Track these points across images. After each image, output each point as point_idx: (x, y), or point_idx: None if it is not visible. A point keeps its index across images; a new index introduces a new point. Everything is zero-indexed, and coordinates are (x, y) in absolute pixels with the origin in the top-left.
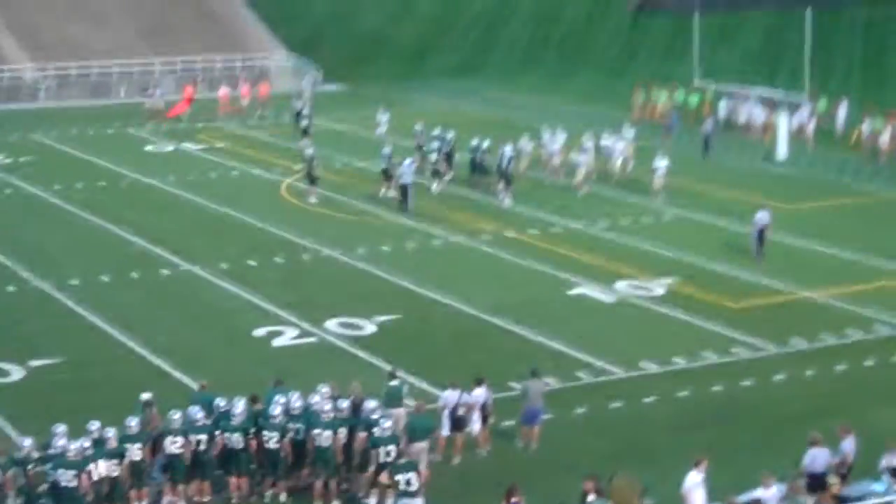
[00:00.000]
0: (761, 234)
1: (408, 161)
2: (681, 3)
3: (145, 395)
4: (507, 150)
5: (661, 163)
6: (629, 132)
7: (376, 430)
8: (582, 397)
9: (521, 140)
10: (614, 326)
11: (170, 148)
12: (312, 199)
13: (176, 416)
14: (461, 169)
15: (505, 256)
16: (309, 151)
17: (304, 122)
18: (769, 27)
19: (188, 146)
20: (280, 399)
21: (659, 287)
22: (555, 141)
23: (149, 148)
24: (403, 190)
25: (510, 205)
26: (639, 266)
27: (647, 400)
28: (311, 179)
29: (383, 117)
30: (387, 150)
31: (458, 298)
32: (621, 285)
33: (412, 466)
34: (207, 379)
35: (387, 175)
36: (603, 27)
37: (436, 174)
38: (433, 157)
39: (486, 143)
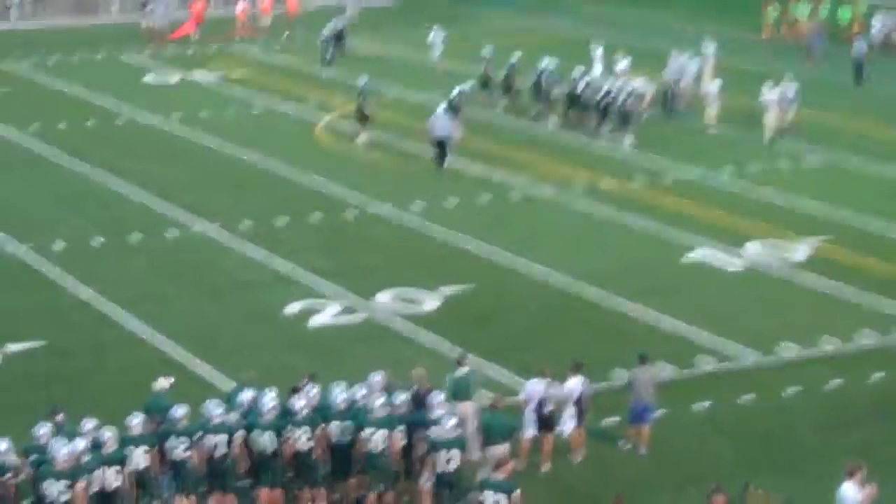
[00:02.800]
0: None
1: (441, 108)
2: None
3: (164, 382)
4: (625, 85)
5: (790, 91)
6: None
7: (434, 430)
8: (704, 389)
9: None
10: (744, 300)
11: (175, 78)
12: (363, 139)
13: (179, 412)
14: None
15: (603, 212)
16: (362, 81)
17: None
18: None
19: (198, 76)
20: (311, 390)
21: (800, 250)
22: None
23: (148, 78)
24: (439, 145)
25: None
26: (774, 224)
27: (787, 392)
28: (362, 117)
29: (438, 37)
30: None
31: (543, 265)
32: (752, 248)
33: (506, 487)
34: (228, 367)
35: (455, 110)
36: None
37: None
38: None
39: (587, 76)
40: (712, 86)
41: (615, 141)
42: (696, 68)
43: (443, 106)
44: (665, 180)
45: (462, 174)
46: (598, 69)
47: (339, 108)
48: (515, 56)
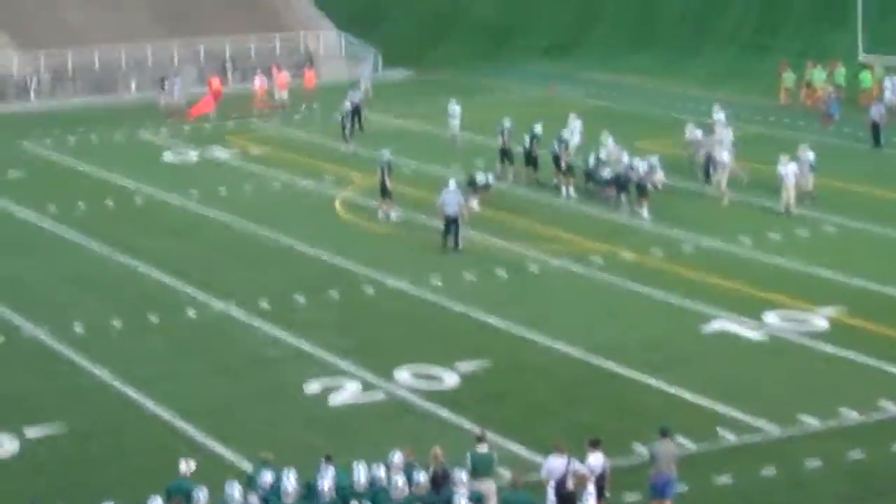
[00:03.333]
0: None
1: (452, 184)
2: None
3: (185, 467)
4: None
5: (806, 160)
6: (720, 114)
7: None
8: (725, 462)
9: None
10: (764, 370)
11: (193, 156)
12: (393, 216)
13: (201, 495)
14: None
15: (621, 283)
16: (385, 156)
17: (343, 120)
18: None
19: (216, 153)
20: (330, 471)
21: (820, 319)
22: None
23: (167, 156)
24: (448, 224)
25: (648, 218)
26: (794, 292)
27: (809, 464)
28: (385, 191)
29: (455, 110)
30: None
31: (562, 338)
32: (772, 317)
33: None
34: (248, 447)
35: (474, 186)
36: None
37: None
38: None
39: (603, 151)
40: (724, 154)
41: (633, 213)
42: (728, 138)
43: (453, 182)
44: (683, 251)
45: (479, 247)
46: (576, 139)
47: (357, 182)
48: (538, 127)
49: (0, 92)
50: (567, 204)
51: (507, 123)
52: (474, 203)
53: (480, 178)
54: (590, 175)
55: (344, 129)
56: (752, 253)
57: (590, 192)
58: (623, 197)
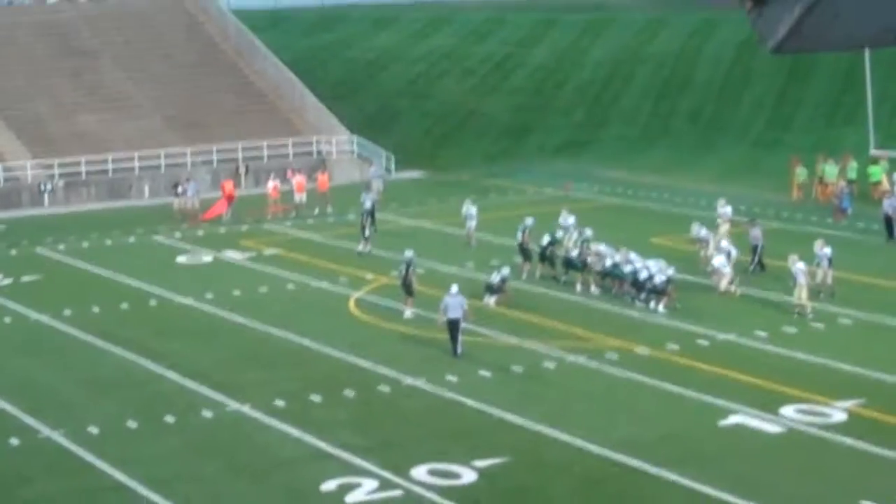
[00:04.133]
0: None
1: (454, 288)
2: (843, 35)
3: None
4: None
5: (824, 251)
6: (725, 208)
7: None
8: None
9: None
10: (783, 464)
11: (207, 258)
12: (408, 314)
13: None
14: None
15: (637, 379)
16: (408, 254)
17: (362, 220)
18: None
19: (230, 255)
20: None
21: (838, 412)
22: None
23: (181, 259)
24: (451, 328)
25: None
26: (810, 386)
27: None
28: (408, 290)
29: (472, 210)
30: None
31: (579, 435)
32: (789, 411)
33: None
34: None
35: (491, 290)
36: (745, 92)
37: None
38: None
39: (617, 255)
40: (720, 258)
41: (648, 308)
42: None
43: (455, 287)
44: (699, 345)
45: (495, 344)
46: (574, 235)
47: (371, 282)
48: (528, 220)
49: (14, 198)
50: (581, 300)
51: (528, 221)
52: (491, 301)
53: (494, 277)
54: (607, 273)
55: (363, 229)
56: (768, 347)
57: (606, 288)
58: (642, 295)
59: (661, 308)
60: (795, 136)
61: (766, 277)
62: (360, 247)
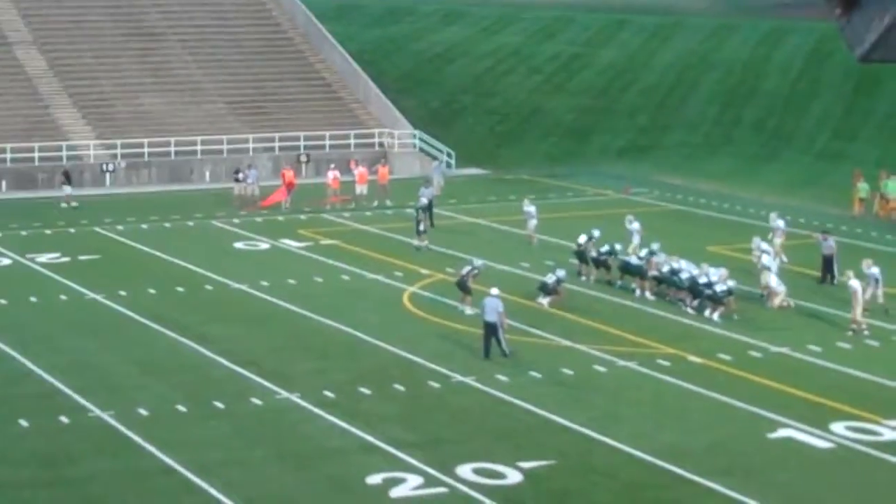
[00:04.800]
0: None
1: (494, 290)
2: None
3: None
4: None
5: (872, 270)
6: (777, 221)
7: None
8: None
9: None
10: (830, 480)
11: (265, 245)
12: (469, 311)
13: None
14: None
15: (688, 387)
16: (478, 262)
17: (418, 215)
18: None
19: (288, 243)
20: None
21: (889, 430)
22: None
23: (239, 245)
24: (490, 331)
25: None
26: (862, 403)
27: None
28: (464, 288)
29: (531, 209)
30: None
31: (627, 440)
32: (839, 427)
33: None
34: None
35: (546, 290)
36: (812, 102)
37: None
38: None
39: (673, 262)
40: (771, 277)
41: (702, 316)
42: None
43: (495, 289)
44: (751, 356)
45: (547, 346)
46: (636, 240)
47: (426, 277)
48: (632, 230)
49: (76, 176)
50: (635, 306)
51: (595, 232)
52: (545, 302)
53: (549, 278)
54: (663, 279)
55: (418, 224)
56: (821, 361)
57: (661, 294)
58: (695, 302)
59: (716, 317)
60: (860, 150)
61: (823, 292)
62: (417, 242)
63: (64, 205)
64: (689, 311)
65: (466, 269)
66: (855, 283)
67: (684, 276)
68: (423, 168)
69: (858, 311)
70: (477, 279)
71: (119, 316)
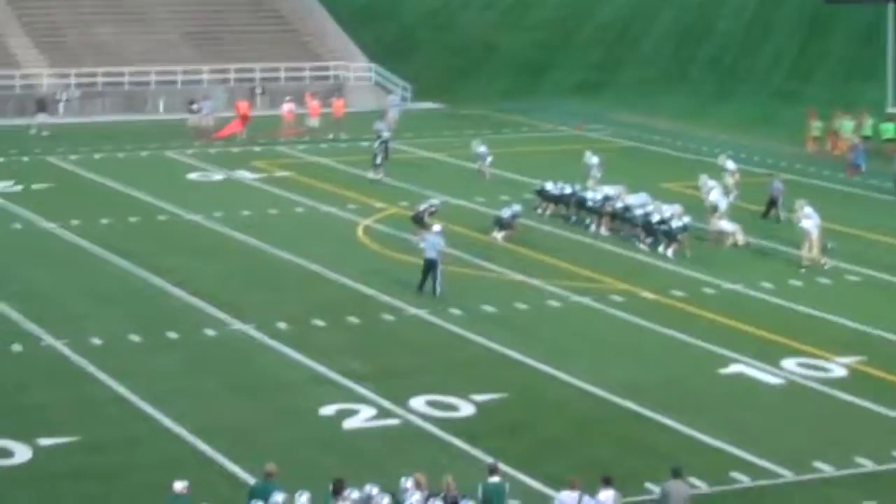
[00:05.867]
0: None
1: (436, 227)
2: None
3: (179, 485)
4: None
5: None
6: (728, 162)
7: None
8: None
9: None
10: (780, 415)
11: (219, 177)
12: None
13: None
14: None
15: (641, 323)
16: (434, 201)
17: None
18: None
19: (242, 175)
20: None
21: (839, 367)
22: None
23: (192, 176)
24: (428, 267)
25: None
26: (813, 340)
27: None
28: (420, 223)
29: (481, 149)
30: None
31: (579, 375)
32: (790, 363)
33: None
34: (260, 466)
35: (500, 225)
36: (766, 42)
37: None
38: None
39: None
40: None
41: (656, 253)
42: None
43: (438, 226)
44: (704, 293)
45: (501, 280)
46: (597, 174)
47: (380, 210)
48: (591, 164)
49: (29, 106)
50: (589, 241)
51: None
52: (499, 237)
53: (504, 212)
54: (618, 215)
55: (375, 157)
56: (774, 299)
57: (615, 230)
58: (648, 239)
59: (669, 253)
60: (814, 90)
61: (776, 229)
62: (372, 174)
63: (33, 132)
64: (643, 247)
65: (424, 205)
66: (807, 223)
67: (638, 212)
68: (380, 102)
69: (814, 250)
70: (433, 216)
71: (72, 246)
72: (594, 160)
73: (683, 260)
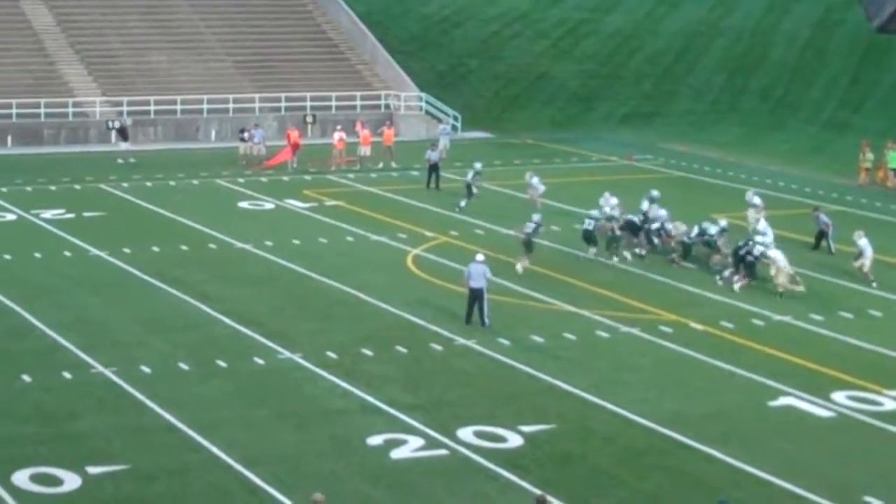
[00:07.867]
0: None
1: (479, 256)
2: None
3: None
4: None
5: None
6: (755, 199)
7: None
8: None
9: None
10: (830, 449)
11: (269, 205)
12: (519, 268)
13: None
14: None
15: (690, 354)
16: (536, 217)
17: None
18: None
19: (292, 203)
20: None
21: (890, 400)
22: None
23: (243, 205)
24: (474, 297)
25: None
26: (864, 373)
27: None
28: (528, 246)
29: (533, 180)
30: (536, 217)
31: (628, 406)
32: (840, 396)
33: None
34: (308, 496)
35: (529, 247)
36: (819, 72)
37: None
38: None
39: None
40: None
41: (712, 284)
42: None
43: (481, 255)
44: (753, 325)
45: (550, 310)
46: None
47: (431, 239)
48: (610, 205)
49: (82, 133)
50: (638, 272)
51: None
52: (520, 268)
53: (529, 227)
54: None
55: (427, 182)
56: (823, 331)
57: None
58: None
59: (737, 287)
60: (866, 120)
61: (827, 261)
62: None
63: (120, 161)
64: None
65: (531, 226)
66: (863, 242)
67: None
68: (430, 131)
69: (867, 264)
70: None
71: (123, 273)
72: (613, 201)
73: (732, 291)
